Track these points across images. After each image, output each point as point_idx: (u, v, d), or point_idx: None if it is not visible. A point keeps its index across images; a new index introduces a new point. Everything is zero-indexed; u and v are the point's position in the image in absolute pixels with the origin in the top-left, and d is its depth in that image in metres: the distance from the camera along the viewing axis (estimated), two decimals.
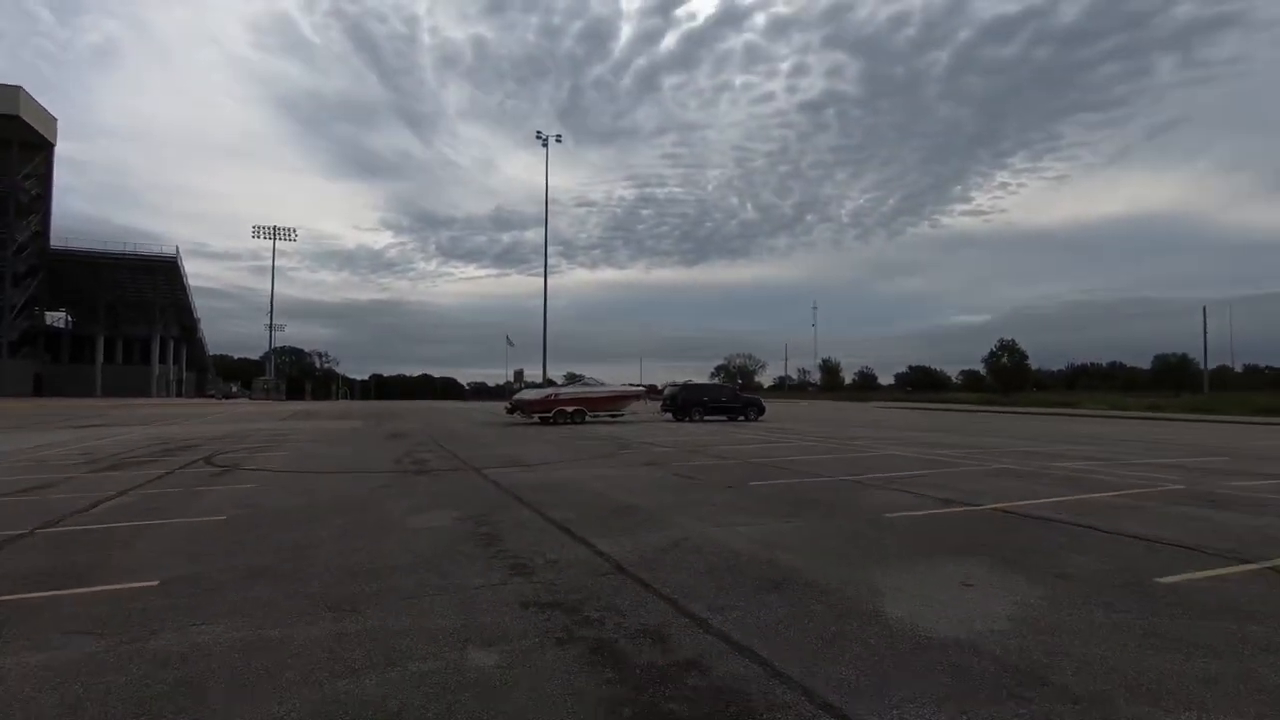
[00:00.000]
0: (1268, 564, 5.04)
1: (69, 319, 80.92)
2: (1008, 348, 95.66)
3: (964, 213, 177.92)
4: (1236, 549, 5.51)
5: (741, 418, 27.67)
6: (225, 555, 5.32)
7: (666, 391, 30.11)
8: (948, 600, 4.15)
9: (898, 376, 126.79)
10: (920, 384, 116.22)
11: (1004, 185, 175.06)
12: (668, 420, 26.96)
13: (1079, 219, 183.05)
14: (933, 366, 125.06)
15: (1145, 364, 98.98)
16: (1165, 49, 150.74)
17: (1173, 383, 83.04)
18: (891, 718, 2.68)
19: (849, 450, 14.39)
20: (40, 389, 71.09)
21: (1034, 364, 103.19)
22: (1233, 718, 2.71)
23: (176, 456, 13.14)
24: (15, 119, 65.43)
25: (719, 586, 4.44)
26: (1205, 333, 57.11)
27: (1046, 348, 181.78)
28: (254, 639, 3.51)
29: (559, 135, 45.54)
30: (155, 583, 4.53)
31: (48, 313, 77.36)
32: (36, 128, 68.47)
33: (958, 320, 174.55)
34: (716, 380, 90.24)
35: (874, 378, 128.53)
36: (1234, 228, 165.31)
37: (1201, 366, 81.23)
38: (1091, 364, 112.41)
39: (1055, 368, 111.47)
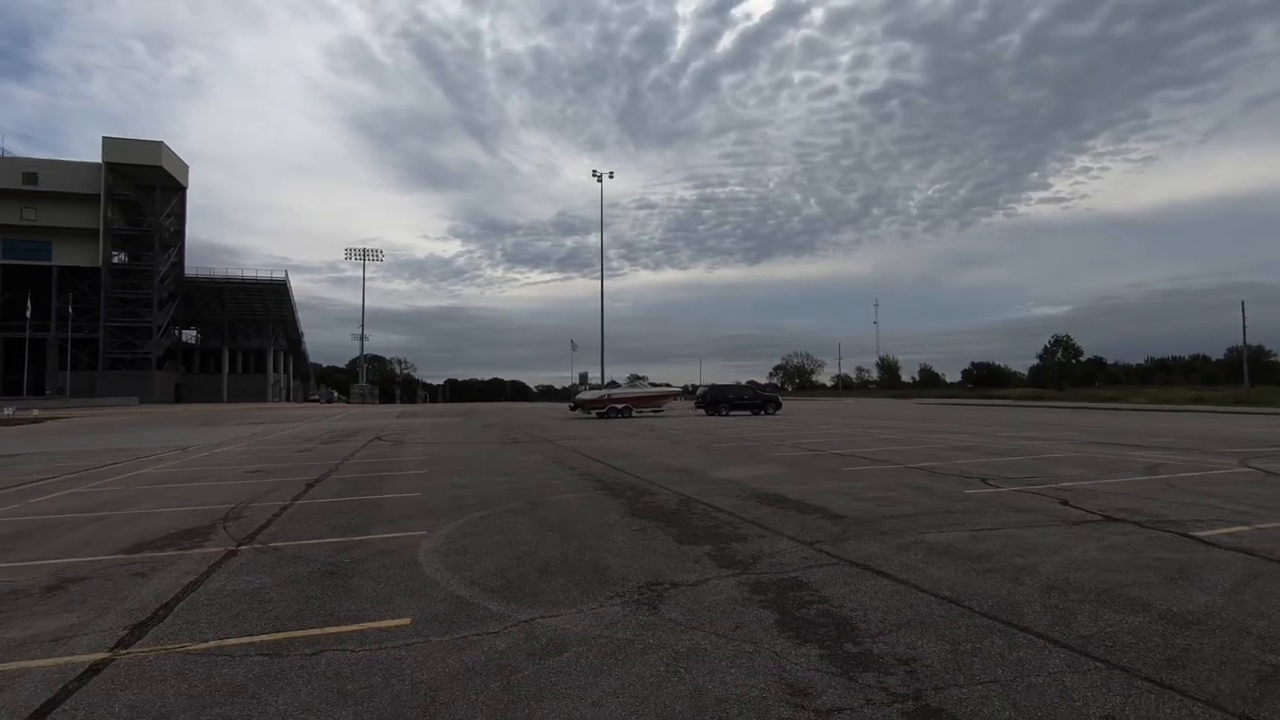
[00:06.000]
0: (914, 466, 10.69)
1: (197, 335, 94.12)
2: (1062, 343, 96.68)
3: (1042, 200, 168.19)
4: (898, 458, 11.13)
5: (761, 412, 33.35)
6: (443, 463, 11.87)
7: (699, 391, 36.20)
8: (743, 473, 10.16)
9: (963, 373, 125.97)
10: (984, 380, 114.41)
11: (1085, 170, 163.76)
12: (700, 415, 32.95)
13: (1169, 202, 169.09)
14: (997, 362, 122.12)
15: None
16: (1264, 16, 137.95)
17: (1243, 376, 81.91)
18: (693, 493, 8.73)
19: (804, 431, 20.08)
20: (179, 396, 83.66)
21: (1111, 358, 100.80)
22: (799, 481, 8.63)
23: (357, 438, 20.19)
24: (159, 168, 78.03)
25: (656, 470, 10.61)
26: (1244, 325, 58.03)
27: (1134, 339, 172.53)
28: (479, 481, 9.94)
29: (611, 172, 52.31)
30: (425, 471, 11.05)
31: (182, 331, 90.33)
32: (174, 174, 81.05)
33: (1037, 313, 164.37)
34: (774, 380, 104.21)
35: (937, 375, 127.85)
36: None
37: (1270, 358, 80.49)
38: (1173, 357, 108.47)
39: (1136, 361, 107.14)
